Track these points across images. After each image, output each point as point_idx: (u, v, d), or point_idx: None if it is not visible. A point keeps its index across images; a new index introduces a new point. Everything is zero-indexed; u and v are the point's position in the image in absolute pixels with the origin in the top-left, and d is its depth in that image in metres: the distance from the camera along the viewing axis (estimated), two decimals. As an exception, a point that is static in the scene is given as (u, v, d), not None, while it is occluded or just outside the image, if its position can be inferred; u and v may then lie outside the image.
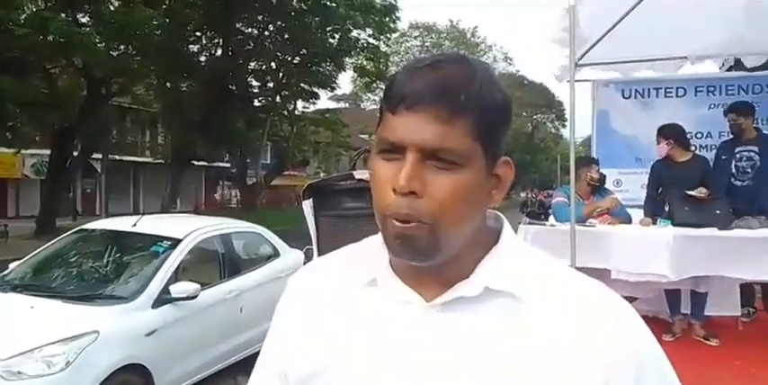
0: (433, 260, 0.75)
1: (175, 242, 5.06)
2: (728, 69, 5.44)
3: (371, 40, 25.64)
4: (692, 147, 4.85)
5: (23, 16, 15.53)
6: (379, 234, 0.81)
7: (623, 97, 5.79)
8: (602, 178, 4.76)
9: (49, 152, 19.61)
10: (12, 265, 5.28)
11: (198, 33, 23.04)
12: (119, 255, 5.33)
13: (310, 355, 0.83)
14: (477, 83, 0.72)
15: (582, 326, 0.74)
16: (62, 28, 14.67)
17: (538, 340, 0.74)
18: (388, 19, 25.11)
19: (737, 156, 4.72)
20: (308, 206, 3.32)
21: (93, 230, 5.79)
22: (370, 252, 0.84)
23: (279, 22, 23.59)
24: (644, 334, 0.77)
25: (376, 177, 0.75)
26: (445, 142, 0.70)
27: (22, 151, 21.10)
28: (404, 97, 0.72)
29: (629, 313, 0.78)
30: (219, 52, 23.98)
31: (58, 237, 5.77)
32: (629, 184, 5.51)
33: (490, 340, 0.75)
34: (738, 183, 4.70)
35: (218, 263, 5.59)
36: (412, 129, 0.71)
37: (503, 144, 0.77)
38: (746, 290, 4.73)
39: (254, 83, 26.74)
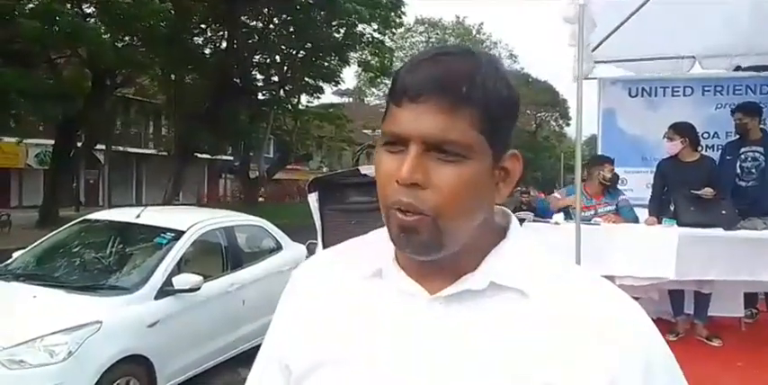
0: (437, 254, 0.74)
1: (179, 234, 5.07)
2: (736, 69, 5.40)
3: (377, 35, 25.57)
4: (700, 148, 4.83)
5: (29, 6, 15.52)
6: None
7: (630, 96, 5.76)
8: (615, 178, 4.72)
9: (52, 142, 19.68)
10: (15, 255, 5.29)
11: (203, 26, 23.01)
12: (122, 245, 5.35)
13: (313, 348, 0.82)
14: (481, 74, 0.72)
15: (588, 323, 0.74)
16: (70, 20, 14.67)
17: (542, 335, 0.73)
18: (393, 14, 25.03)
19: (742, 156, 4.70)
20: (313, 200, 3.33)
21: (97, 221, 5.80)
22: (376, 244, 0.83)
23: (284, 16, 23.54)
24: (651, 330, 0.77)
25: (380, 170, 0.75)
26: (448, 133, 0.70)
27: (26, 141, 21.14)
28: (407, 89, 0.72)
29: (637, 310, 0.77)
30: (224, 45, 23.94)
31: (62, 227, 5.77)
32: (635, 183, 5.48)
33: (494, 334, 0.74)
34: (743, 184, 4.68)
35: (220, 255, 5.60)
36: (415, 121, 0.71)
37: (510, 137, 0.77)
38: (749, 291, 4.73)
39: (259, 76, 26.70)
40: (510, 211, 0.85)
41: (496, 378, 0.73)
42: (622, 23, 4.95)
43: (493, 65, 0.75)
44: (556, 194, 4.87)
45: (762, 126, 4.78)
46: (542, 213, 4.99)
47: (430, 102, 0.70)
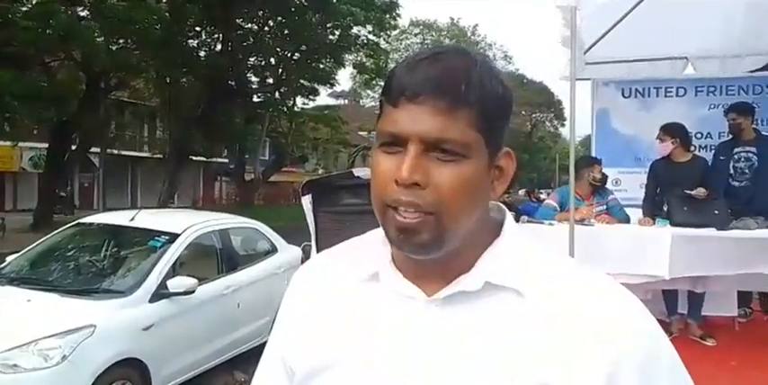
0: (436, 253, 0.74)
1: (173, 237, 5.05)
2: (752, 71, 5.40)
3: (371, 37, 25.61)
4: (692, 148, 4.85)
5: (24, 9, 15.49)
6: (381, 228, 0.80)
7: (623, 96, 5.78)
8: (605, 178, 4.75)
9: (47, 145, 19.59)
10: (9, 258, 5.26)
11: (198, 28, 22.97)
12: (116, 249, 5.33)
13: (313, 351, 0.83)
14: (477, 74, 0.72)
15: (585, 322, 0.73)
16: (65, 22, 14.65)
17: (539, 335, 0.73)
18: (388, 16, 25.07)
19: (735, 157, 4.71)
20: (307, 202, 3.33)
21: (91, 224, 5.78)
22: (372, 246, 0.83)
23: (279, 18, 23.54)
24: (652, 329, 0.76)
25: (377, 170, 0.74)
26: (447, 133, 0.70)
27: (20, 144, 21.08)
28: (404, 89, 0.72)
29: (637, 308, 0.76)
30: (219, 47, 23.94)
31: (56, 231, 5.75)
32: (629, 184, 5.50)
33: (490, 335, 0.74)
34: (736, 184, 4.69)
35: (215, 258, 5.58)
36: (413, 121, 0.71)
37: (504, 135, 0.77)
38: (743, 290, 4.74)
39: (254, 78, 26.73)
40: (504, 207, 0.85)
41: (494, 379, 0.73)
42: (615, 25, 4.97)
43: (487, 64, 0.75)
44: (550, 201, 4.86)
45: (754, 126, 4.80)
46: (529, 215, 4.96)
47: (428, 102, 0.70)
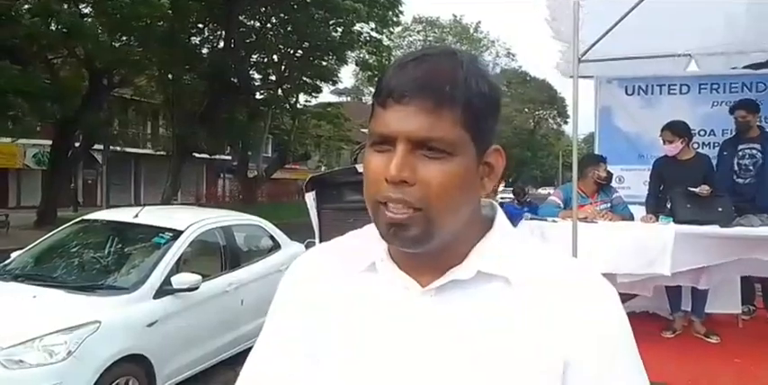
0: (425, 246, 0.77)
1: (177, 233, 5.07)
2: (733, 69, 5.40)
3: (374, 34, 25.62)
4: (695, 145, 4.83)
5: (26, 7, 15.51)
6: None
7: (626, 94, 5.77)
8: (610, 176, 4.75)
9: (50, 142, 19.64)
10: (13, 255, 5.28)
11: (200, 25, 22.98)
12: (120, 245, 5.34)
13: (309, 340, 0.85)
14: (463, 74, 0.75)
15: (569, 307, 0.77)
16: (68, 18, 14.67)
17: (526, 321, 0.77)
18: (391, 13, 25.07)
19: (740, 153, 4.70)
20: (310, 198, 3.34)
21: (95, 221, 5.79)
22: (370, 239, 0.86)
23: (282, 15, 23.55)
24: (618, 320, 0.79)
25: (368, 168, 0.78)
26: (433, 132, 0.73)
27: (24, 141, 21.13)
28: (392, 91, 0.75)
29: (616, 299, 0.81)
30: (222, 44, 23.93)
31: (60, 227, 5.77)
32: (632, 181, 5.50)
33: (483, 321, 0.77)
34: (740, 181, 4.69)
35: (219, 255, 5.60)
36: (401, 121, 0.74)
37: (493, 133, 0.80)
38: (747, 288, 4.75)
39: (256, 75, 26.73)
40: (497, 204, 0.88)
41: (488, 362, 0.76)
42: (618, 22, 4.96)
43: (474, 64, 0.77)
44: (554, 198, 4.86)
45: (758, 123, 4.79)
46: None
47: (414, 102, 0.73)
